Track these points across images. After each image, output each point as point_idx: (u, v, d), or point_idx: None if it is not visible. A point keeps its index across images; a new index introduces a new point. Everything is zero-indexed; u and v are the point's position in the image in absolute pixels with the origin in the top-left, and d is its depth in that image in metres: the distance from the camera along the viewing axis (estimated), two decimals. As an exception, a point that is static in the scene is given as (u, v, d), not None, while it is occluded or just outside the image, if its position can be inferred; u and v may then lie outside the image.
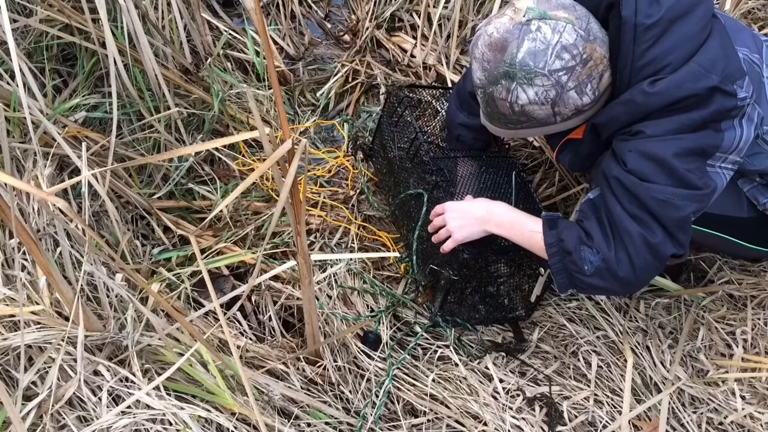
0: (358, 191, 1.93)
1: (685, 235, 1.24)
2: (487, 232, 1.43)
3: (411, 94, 1.86)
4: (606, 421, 1.42)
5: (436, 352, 1.55)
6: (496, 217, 1.42)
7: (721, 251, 1.74)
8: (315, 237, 1.79)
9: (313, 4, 2.50)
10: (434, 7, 2.25)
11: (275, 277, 1.64)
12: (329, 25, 2.48)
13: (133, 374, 1.22)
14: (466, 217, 1.44)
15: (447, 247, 1.46)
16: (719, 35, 1.22)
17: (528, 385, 1.50)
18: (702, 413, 1.45)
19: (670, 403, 1.44)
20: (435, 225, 1.49)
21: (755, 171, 1.35)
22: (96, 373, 1.21)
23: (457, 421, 1.40)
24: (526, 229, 1.37)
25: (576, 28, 1.20)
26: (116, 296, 1.36)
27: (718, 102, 1.17)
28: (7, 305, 1.25)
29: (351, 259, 1.70)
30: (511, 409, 1.43)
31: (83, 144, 1.29)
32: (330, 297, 1.61)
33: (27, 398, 1.14)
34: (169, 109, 1.74)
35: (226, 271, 1.66)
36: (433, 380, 1.46)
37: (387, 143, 1.84)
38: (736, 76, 1.19)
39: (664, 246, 1.22)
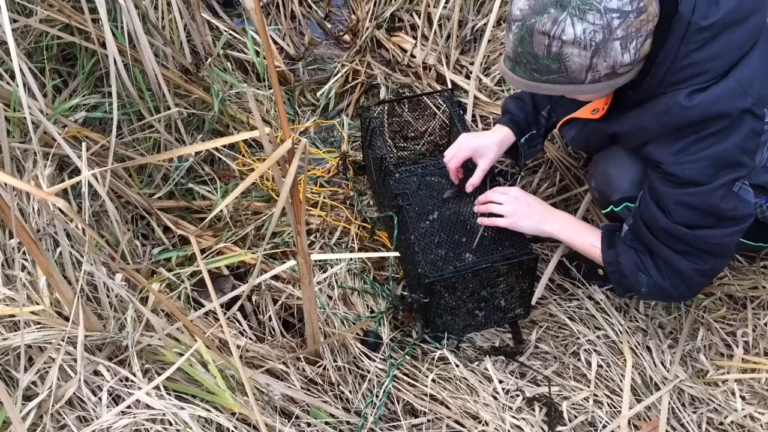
0: (358, 191, 1.93)
1: (732, 251, 1.35)
2: (541, 232, 1.49)
3: (386, 110, 1.85)
4: (606, 421, 1.42)
5: (435, 352, 1.54)
6: (558, 221, 1.49)
7: None
8: (315, 237, 1.79)
9: (313, 4, 2.50)
10: (434, 7, 2.25)
11: (275, 277, 1.64)
12: (329, 25, 2.48)
13: (133, 374, 1.21)
14: (530, 210, 1.49)
15: (499, 223, 1.50)
16: (763, 47, 1.19)
17: (528, 385, 1.49)
18: (702, 413, 1.45)
19: (670, 402, 1.45)
20: (491, 198, 1.53)
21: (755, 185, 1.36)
22: (96, 373, 1.21)
23: (456, 422, 1.40)
24: (586, 241, 1.46)
25: None
26: (116, 296, 1.36)
27: (748, 124, 1.17)
28: (7, 305, 1.25)
29: (351, 259, 1.70)
30: (510, 409, 1.42)
31: (83, 144, 1.29)
32: (330, 297, 1.61)
33: (27, 398, 1.14)
34: (169, 109, 1.74)
35: (226, 271, 1.66)
36: (433, 380, 1.45)
37: (368, 163, 1.87)
38: (767, 100, 1.19)
39: (716, 267, 1.35)
